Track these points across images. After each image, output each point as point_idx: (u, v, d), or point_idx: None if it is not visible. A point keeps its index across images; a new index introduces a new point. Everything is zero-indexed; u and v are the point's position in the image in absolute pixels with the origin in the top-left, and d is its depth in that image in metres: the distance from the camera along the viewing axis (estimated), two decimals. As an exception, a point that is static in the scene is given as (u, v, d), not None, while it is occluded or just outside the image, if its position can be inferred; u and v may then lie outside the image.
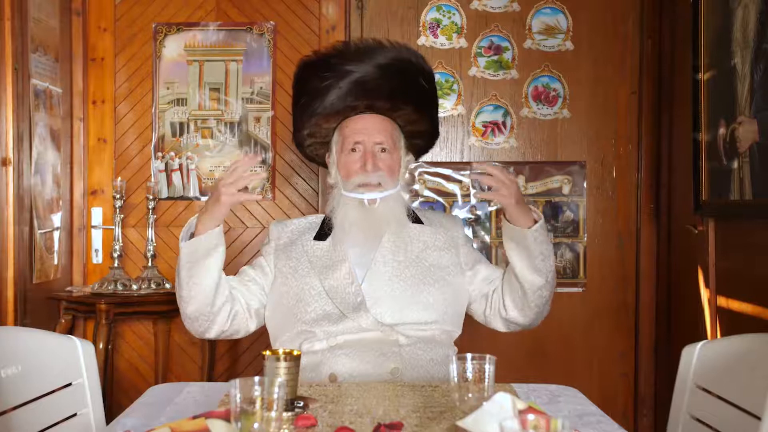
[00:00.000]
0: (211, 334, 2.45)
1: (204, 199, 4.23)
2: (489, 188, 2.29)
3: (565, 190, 4.21)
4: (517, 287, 2.43)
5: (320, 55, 2.59)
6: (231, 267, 4.22)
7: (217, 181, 2.26)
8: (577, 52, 4.21)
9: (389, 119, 2.54)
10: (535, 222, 2.35)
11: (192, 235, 2.31)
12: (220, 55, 4.25)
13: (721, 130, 3.18)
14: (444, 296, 2.46)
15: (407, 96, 2.53)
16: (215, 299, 2.37)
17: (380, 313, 2.38)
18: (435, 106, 2.67)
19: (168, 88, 4.25)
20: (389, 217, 2.48)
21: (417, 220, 2.59)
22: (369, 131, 2.49)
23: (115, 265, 3.95)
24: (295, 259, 2.50)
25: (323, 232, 2.55)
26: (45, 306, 3.85)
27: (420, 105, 2.57)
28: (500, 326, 2.56)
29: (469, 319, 2.60)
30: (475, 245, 4.07)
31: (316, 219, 2.63)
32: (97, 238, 4.24)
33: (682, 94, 3.72)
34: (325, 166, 2.68)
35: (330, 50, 2.58)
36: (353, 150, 2.49)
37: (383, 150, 2.49)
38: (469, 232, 4.15)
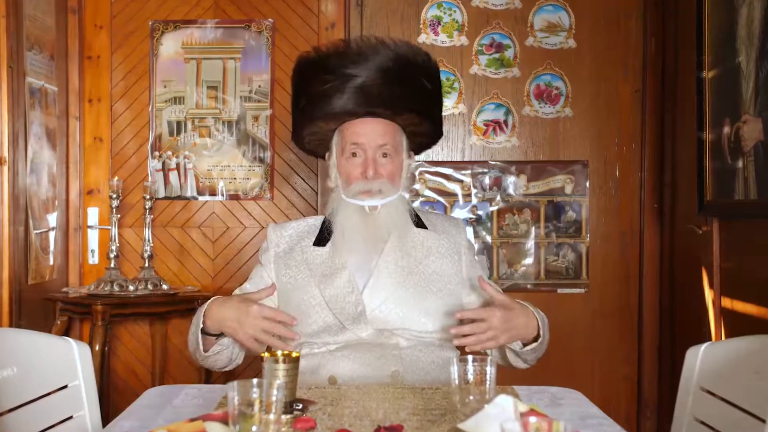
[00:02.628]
0: (228, 369, 2.47)
1: (201, 198, 4.25)
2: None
3: (568, 189, 4.19)
4: (504, 361, 2.43)
5: (320, 54, 2.53)
6: (229, 267, 4.20)
7: (249, 313, 2.18)
8: (579, 49, 4.20)
9: (391, 122, 2.50)
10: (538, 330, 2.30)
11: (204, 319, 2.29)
12: (218, 52, 4.24)
13: (726, 129, 3.17)
14: (445, 305, 2.43)
15: (410, 101, 2.49)
16: (231, 358, 2.40)
17: (381, 321, 2.36)
18: (439, 107, 2.63)
19: (165, 87, 4.24)
20: (391, 224, 2.45)
21: (420, 223, 2.55)
22: (370, 136, 2.45)
23: (112, 265, 3.93)
24: (295, 268, 2.48)
25: (323, 237, 2.52)
26: (40, 307, 3.83)
27: (423, 108, 2.54)
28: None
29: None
30: (476, 245, 4.10)
31: (315, 221, 2.60)
32: (93, 238, 4.23)
33: (686, 92, 3.71)
34: (324, 158, 2.64)
35: (331, 50, 2.52)
36: (354, 154, 2.45)
37: (385, 155, 2.45)
38: (470, 231, 4.11)
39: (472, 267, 2.55)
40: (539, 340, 2.30)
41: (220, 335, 2.28)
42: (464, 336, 2.16)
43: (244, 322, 2.17)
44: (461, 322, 2.19)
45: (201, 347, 2.27)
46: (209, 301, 2.28)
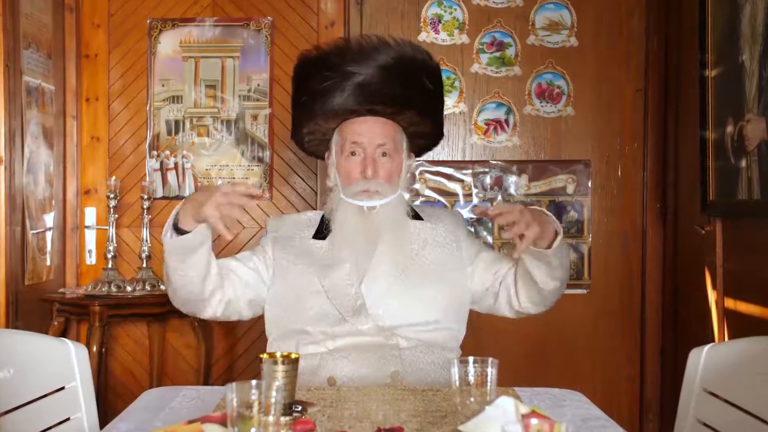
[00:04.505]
0: (205, 317, 2.47)
1: (199, 197, 4.20)
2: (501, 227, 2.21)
3: (570, 189, 4.18)
4: (534, 289, 2.41)
5: (321, 52, 2.55)
6: (228, 268, 4.17)
7: (215, 189, 2.15)
8: (581, 48, 4.19)
9: (391, 121, 2.50)
10: (556, 234, 2.27)
11: (175, 225, 2.23)
12: (217, 51, 4.22)
13: (729, 128, 3.17)
14: (445, 293, 2.44)
15: (411, 100, 2.49)
16: (204, 288, 2.35)
17: (381, 314, 2.36)
18: (440, 107, 2.63)
19: (163, 86, 4.23)
20: (389, 223, 2.45)
21: (416, 216, 2.56)
22: (370, 134, 2.46)
23: (109, 266, 3.92)
24: (293, 253, 2.48)
25: (321, 232, 2.52)
26: (37, 308, 3.82)
27: (424, 108, 2.54)
28: (509, 315, 2.56)
29: (471, 322, 2.57)
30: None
31: (315, 215, 2.61)
32: (90, 238, 4.22)
33: (689, 91, 3.70)
34: (323, 159, 2.65)
35: (332, 48, 2.53)
36: (353, 153, 2.46)
37: (384, 154, 2.46)
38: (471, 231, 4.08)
39: (471, 247, 2.55)
40: (558, 238, 2.26)
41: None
42: (500, 215, 2.14)
43: (209, 195, 2.11)
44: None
45: (167, 239, 2.23)
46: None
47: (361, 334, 2.33)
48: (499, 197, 4.15)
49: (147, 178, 4.17)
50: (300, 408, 1.82)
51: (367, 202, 2.42)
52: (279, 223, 2.59)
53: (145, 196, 3.99)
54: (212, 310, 2.42)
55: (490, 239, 4.16)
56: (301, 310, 2.38)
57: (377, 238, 2.44)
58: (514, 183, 4.16)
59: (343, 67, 2.44)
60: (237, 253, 2.56)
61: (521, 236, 2.13)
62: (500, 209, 2.16)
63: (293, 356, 1.80)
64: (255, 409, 1.39)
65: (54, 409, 2.10)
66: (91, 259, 4.20)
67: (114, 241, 3.94)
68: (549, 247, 2.25)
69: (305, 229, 2.54)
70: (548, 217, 2.27)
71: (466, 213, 4.15)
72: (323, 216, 2.56)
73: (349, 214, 2.44)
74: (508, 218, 2.13)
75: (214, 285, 2.36)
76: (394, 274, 2.41)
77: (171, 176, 4.22)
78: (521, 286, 2.44)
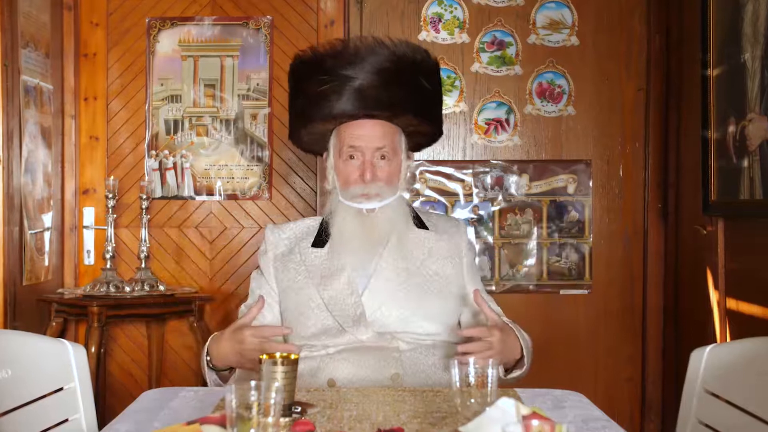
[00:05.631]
0: None
1: (199, 198, 4.23)
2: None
3: (570, 189, 4.17)
4: None
5: (317, 54, 2.53)
6: (227, 268, 4.17)
7: (243, 345, 2.18)
8: (582, 47, 4.18)
9: (389, 123, 2.49)
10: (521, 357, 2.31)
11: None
12: (216, 50, 4.22)
13: (731, 128, 3.17)
14: (446, 307, 2.43)
15: (409, 103, 2.48)
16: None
17: (381, 324, 2.35)
18: (439, 106, 2.62)
19: (162, 85, 4.22)
20: (389, 226, 2.44)
21: (421, 224, 2.55)
22: (368, 138, 2.44)
23: (108, 266, 3.91)
24: (293, 270, 2.47)
25: (321, 238, 2.51)
26: (35, 308, 3.82)
27: (422, 110, 2.53)
28: None
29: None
30: (478, 246, 4.07)
31: (314, 222, 2.59)
32: (89, 238, 4.21)
33: (691, 90, 3.70)
34: (323, 156, 2.64)
35: (328, 50, 2.51)
36: (351, 157, 2.45)
37: (383, 157, 2.44)
38: (471, 232, 4.09)
39: (470, 273, 2.54)
40: (523, 368, 2.31)
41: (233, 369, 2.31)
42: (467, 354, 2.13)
43: (243, 352, 2.17)
44: (465, 339, 2.19)
45: (218, 382, 2.31)
46: (207, 342, 2.31)
47: (361, 342, 2.33)
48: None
49: (146, 178, 4.16)
50: (299, 409, 1.81)
51: (366, 205, 2.41)
52: (278, 235, 2.56)
53: (144, 196, 3.98)
54: None
55: (490, 239, 4.15)
56: (303, 327, 2.38)
57: (377, 241, 2.43)
58: (514, 183, 4.15)
59: (340, 71, 2.43)
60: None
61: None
62: (469, 348, 2.13)
63: (293, 357, 1.79)
64: (254, 410, 1.39)
65: (52, 410, 2.10)
66: (89, 260, 4.20)
67: (112, 241, 3.93)
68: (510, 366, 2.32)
69: (304, 239, 2.53)
70: (515, 344, 2.27)
71: (467, 213, 4.14)
72: (323, 221, 2.54)
73: (348, 218, 2.43)
74: (470, 348, 2.13)
75: None
76: (397, 283, 2.40)
77: (170, 176, 4.21)
78: None
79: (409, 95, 2.48)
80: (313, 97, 2.46)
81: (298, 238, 2.54)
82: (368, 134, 2.44)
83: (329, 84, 2.42)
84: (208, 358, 2.28)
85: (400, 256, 2.43)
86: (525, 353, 2.29)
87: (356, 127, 2.45)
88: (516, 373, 2.30)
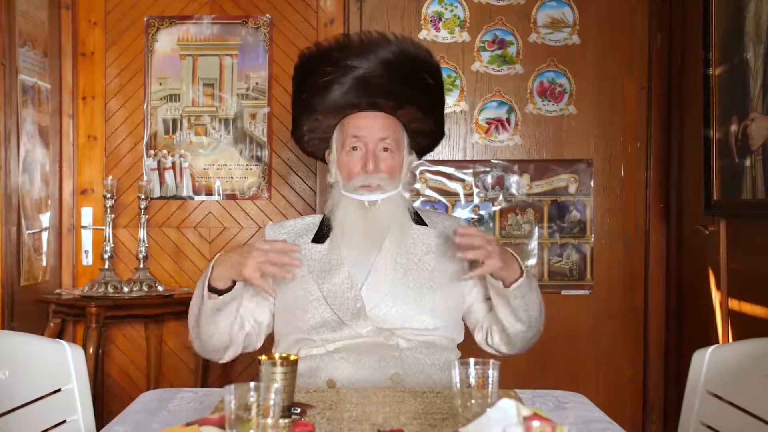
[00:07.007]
0: (225, 359, 2.47)
1: (197, 198, 4.22)
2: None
3: (572, 189, 4.16)
4: (500, 327, 2.42)
5: (322, 47, 2.54)
6: (226, 268, 4.15)
7: (252, 247, 2.20)
8: (584, 46, 4.17)
9: (393, 117, 2.49)
10: (521, 273, 2.30)
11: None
12: (215, 49, 4.21)
13: (733, 127, 3.16)
14: (447, 302, 2.42)
15: (412, 94, 2.49)
16: (231, 334, 2.37)
17: (381, 319, 2.35)
18: (441, 105, 2.63)
19: (160, 84, 4.22)
20: (390, 219, 2.44)
21: (420, 221, 2.55)
22: (371, 129, 2.45)
23: (106, 266, 3.91)
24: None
25: (321, 234, 2.51)
26: (33, 309, 3.82)
27: (425, 104, 2.53)
28: (485, 348, 2.55)
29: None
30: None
31: (314, 219, 2.59)
32: (87, 238, 4.21)
33: (693, 89, 3.70)
34: (324, 161, 2.64)
35: (332, 43, 2.53)
36: (354, 149, 2.45)
37: (385, 149, 2.45)
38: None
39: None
40: (524, 277, 2.28)
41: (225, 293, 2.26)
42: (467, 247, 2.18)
43: (248, 256, 2.17)
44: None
45: (206, 299, 2.24)
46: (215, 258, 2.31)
47: (360, 337, 2.32)
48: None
49: (144, 178, 4.15)
50: (299, 410, 1.80)
51: (368, 197, 2.41)
52: (278, 231, 2.56)
53: (143, 196, 3.97)
54: (233, 352, 2.43)
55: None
56: (303, 320, 2.37)
57: (379, 234, 2.43)
58: (515, 182, 4.14)
59: (344, 62, 2.44)
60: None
61: (482, 263, 2.17)
62: (467, 231, 2.19)
63: (292, 358, 1.79)
64: (253, 411, 1.38)
65: (50, 411, 2.10)
66: (87, 260, 4.19)
67: (111, 241, 3.92)
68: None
69: (304, 235, 2.53)
70: (514, 258, 2.29)
71: (468, 213, 4.13)
72: (323, 218, 2.54)
73: (350, 210, 2.43)
74: (469, 240, 2.16)
75: (238, 327, 2.39)
76: (396, 278, 2.40)
77: (168, 176, 4.21)
78: (492, 326, 2.46)
79: (413, 88, 2.49)
80: (316, 89, 2.46)
81: (297, 234, 2.54)
82: (371, 125, 2.44)
83: (332, 75, 2.43)
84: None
85: (400, 251, 2.43)
86: (523, 267, 2.28)
87: (360, 118, 2.46)
88: (518, 283, 2.27)
